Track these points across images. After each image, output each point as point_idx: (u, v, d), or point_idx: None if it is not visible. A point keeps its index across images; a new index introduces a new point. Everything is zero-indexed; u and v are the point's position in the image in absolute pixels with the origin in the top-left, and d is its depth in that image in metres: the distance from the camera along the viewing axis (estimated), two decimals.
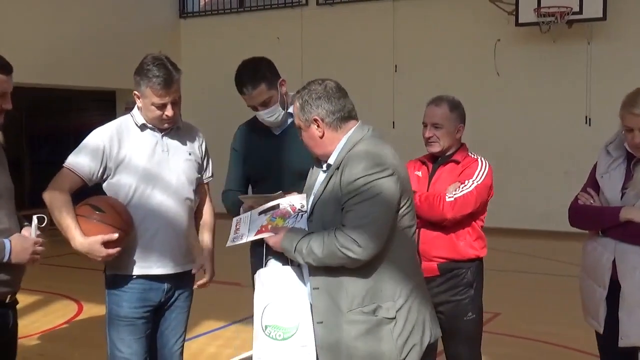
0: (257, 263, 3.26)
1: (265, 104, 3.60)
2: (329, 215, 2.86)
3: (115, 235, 3.19)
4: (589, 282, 3.57)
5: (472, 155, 3.86)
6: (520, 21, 10.80)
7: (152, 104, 3.34)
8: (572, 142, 10.97)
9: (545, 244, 10.75)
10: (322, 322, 2.88)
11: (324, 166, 3.00)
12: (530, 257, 9.82)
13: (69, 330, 6.69)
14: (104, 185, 3.42)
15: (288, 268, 2.99)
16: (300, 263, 2.90)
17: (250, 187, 3.91)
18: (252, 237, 3.05)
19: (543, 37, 10.89)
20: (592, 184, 3.64)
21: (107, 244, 3.21)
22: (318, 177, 3.04)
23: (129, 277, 3.40)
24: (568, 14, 10.36)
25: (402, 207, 2.85)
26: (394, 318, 2.82)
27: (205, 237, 3.71)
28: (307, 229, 2.97)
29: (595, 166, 3.70)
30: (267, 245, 3.01)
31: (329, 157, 2.96)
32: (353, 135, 2.91)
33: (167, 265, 3.44)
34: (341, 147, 2.91)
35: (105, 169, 3.37)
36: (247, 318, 6.20)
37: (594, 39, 10.83)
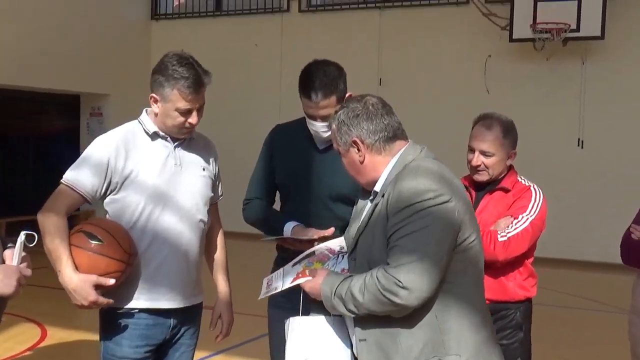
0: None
1: (326, 118, 3.12)
2: (376, 252, 2.41)
3: (112, 282, 2.80)
4: None
5: (523, 182, 3.37)
6: (514, 37, 10.39)
7: (177, 109, 2.92)
8: (563, 166, 10.62)
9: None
10: None
11: (371, 195, 2.54)
12: None
13: (32, 359, 6.03)
14: (106, 201, 2.99)
15: (333, 319, 2.56)
16: (342, 313, 2.43)
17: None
18: (288, 285, 2.62)
19: (536, 54, 10.55)
20: None
21: (98, 287, 2.80)
22: (364, 208, 2.58)
23: (130, 311, 2.99)
24: (565, 31, 10.01)
25: (463, 241, 2.39)
26: None
27: (221, 281, 3.32)
28: (348, 269, 2.55)
29: None
30: (305, 296, 2.59)
31: (374, 185, 2.51)
32: (403, 156, 2.48)
33: (176, 298, 3.05)
34: (389, 170, 2.47)
35: (109, 184, 2.93)
36: (235, 346, 5.90)
37: (589, 58, 10.52)
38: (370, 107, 2.51)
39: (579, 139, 10.60)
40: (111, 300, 2.85)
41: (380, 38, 11.68)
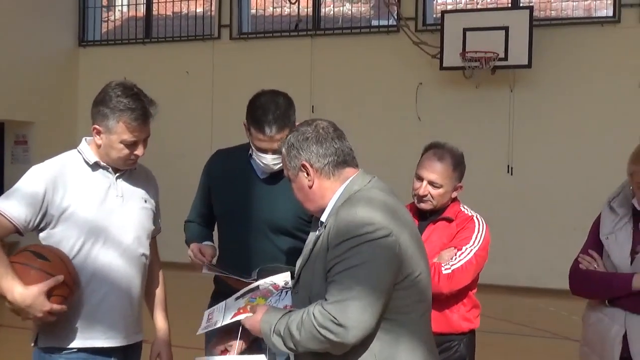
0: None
1: (277, 151, 3.05)
2: (315, 285, 2.34)
3: (61, 278, 2.68)
4: (593, 358, 3.20)
5: (466, 212, 3.34)
6: (444, 65, 10.52)
7: (122, 142, 2.83)
8: (493, 192, 10.72)
9: None
10: None
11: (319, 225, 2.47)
12: None
13: None
14: (42, 235, 2.87)
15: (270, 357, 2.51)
16: (282, 350, 2.34)
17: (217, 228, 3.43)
18: (228, 321, 2.54)
19: (466, 82, 10.69)
20: (594, 244, 3.26)
21: (50, 296, 2.66)
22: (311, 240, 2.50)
23: (68, 351, 2.87)
24: (493, 59, 10.17)
25: (406, 277, 2.32)
26: None
27: (160, 319, 3.22)
28: (292, 303, 2.49)
29: (595, 224, 3.31)
30: (243, 331, 2.52)
31: (322, 213, 2.44)
32: (349, 185, 2.41)
33: (116, 336, 2.93)
34: (335, 200, 2.40)
35: (44, 216, 2.81)
36: None
37: (516, 86, 10.69)
38: (321, 130, 2.46)
39: (508, 166, 10.74)
40: (64, 307, 2.72)
41: (312, 66, 11.67)
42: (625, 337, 3.06)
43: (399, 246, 2.29)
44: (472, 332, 3.41)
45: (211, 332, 3.03)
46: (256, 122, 3.07)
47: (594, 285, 3.20)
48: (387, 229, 2.27)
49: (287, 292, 2.58)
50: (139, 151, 2.89)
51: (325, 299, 2.24)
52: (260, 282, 2.68)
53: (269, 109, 3.06)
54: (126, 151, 2.86)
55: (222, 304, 2.72)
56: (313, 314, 2.23)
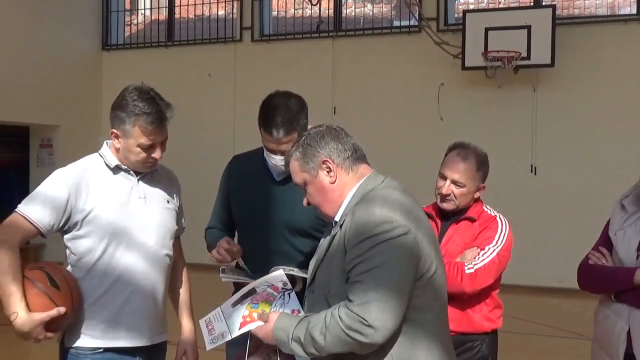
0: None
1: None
2: (333, 285, 2.35)
3: (63, 310, 2.73)
4: (601, 355, 3.20)
5: (489, 212, 3.34)
6: (466, 65, 10.47)
7: (139, 145, 2.87)
8: (517, 192, 10.65)
9: None
10: None
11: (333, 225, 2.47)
12: None
13: None
14: (68, 237, 2.91)
15: None
16: (302, 356, 2.34)
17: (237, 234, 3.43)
18: (238, 332, 2.52)
19: (488, 82, 10.62)
20: (605, 241, 3.30)
21: (48, 323, 2.73)
22: (325, 241, 2.49)
23: (93, 350, 2.92)
24: (516, 59, 10.10)
25: (422, 276, 2.32)
26: None
27: (185, 318, 3.26)
28: (300, 308, 2.48)
29: (608, 221, 3.33)
30: (252, 340, 2.50)
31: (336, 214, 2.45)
32: (363, 185, 2.42)
33: (141, 336, 2.97)
34: (350, 198, 2.41)
35: (68, 220, 2.85)
36: None
37: (539, 85, 10.61)
38: (333, 129, 2.50)
39: (532, 165, 10.67)
40: (56, 336, 2.82)
41: (334, 67, 11.67)
42: (629, 333, 3.07)
43: (417, 244, 2.30)
44: (494, 332, 3.41)
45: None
46: (265, 124, 3.08)
47: (598, 280, 3.22)
48: (405, 226, 2.28)
49: (289, 294, 2.56)
50: (156, 154, 2.92)
51: (350, 300, 2.23)
52: (255, 283, 2.63)
53: (278, 112, 3.05)
54: (144, 154, 2.89)
55: (218, 311, 2.69)
56: (340, 316, 2.22)
